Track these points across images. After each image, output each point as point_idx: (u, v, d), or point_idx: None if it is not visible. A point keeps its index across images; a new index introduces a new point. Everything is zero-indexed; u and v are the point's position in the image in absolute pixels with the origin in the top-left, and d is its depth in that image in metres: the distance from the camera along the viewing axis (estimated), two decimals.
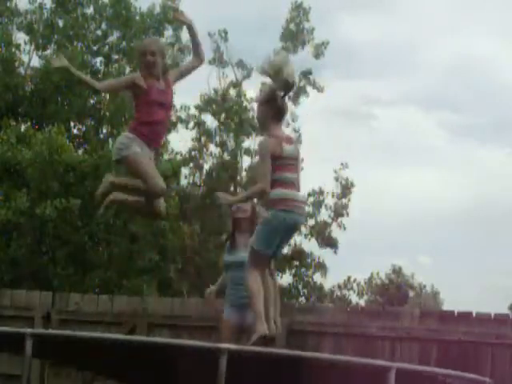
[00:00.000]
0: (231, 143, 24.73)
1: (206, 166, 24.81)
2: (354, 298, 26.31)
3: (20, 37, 20.98)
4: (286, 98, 6.17)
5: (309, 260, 24.14)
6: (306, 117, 26.24)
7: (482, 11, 50.81)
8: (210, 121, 24.83)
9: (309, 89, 25.47)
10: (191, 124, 24.58)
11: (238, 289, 6.82)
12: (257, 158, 6.36)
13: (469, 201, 50.17)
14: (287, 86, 6.08)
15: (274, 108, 6.07)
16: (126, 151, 6.38)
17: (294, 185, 6.05)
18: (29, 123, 19.60)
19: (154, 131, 6.48)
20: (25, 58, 21.03)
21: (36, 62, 21.17)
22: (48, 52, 20.95)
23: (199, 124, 24.47)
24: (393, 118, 46.26)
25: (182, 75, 6.88)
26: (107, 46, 21.55)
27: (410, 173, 50.43)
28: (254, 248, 5.94)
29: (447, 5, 49.67)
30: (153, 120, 6.46)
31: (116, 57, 21.56)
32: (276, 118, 6.12)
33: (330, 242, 24.30)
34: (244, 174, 24.74)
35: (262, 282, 6.02)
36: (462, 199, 49.64)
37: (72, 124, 20.68)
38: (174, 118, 22.78)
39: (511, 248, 45.48)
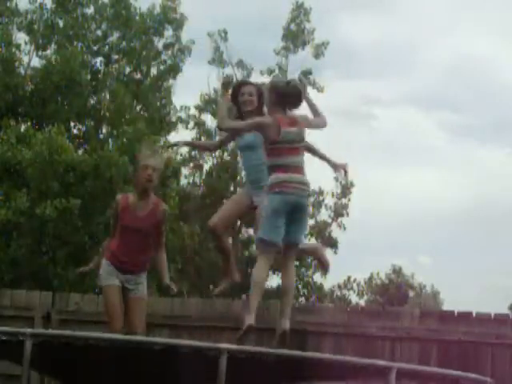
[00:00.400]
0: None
1: (206, 166, 24.84)
2: (353, 298, 26.35)
3: (20, 37, 21.01)
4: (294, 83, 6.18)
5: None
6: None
7: (482, 11, 50.87)
8: (210, 121, 24.87)
9: (309, 89, 25.49)
10: (191, 124, 24.61)
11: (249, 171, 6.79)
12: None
13: (469, 201, 50.21)
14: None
15: (275, 94, 6.11)
16: (100, 282, 6.58)
17: (293, 168, 6.03)
18: (29, 123, 19.60)
19: (125, 260, 6.48)
20: (25, 58, 21.05)
21: (36, 62, 21.20)
22: (48, 52, 20.97)
23: (199, 124, 24.49)
24: (393, 118, 46.33)
25: None
26: (107, 46, 21.56)
27: (409, 173, 50.50)
28: (260, 238, 5.97)
29: (447, 5, 49.75)
30: (127, 249, 6.47)
31: (116, 57, 21.57)
32: (278, 104, 6.14)
33: (330, 242, 24.32)
34: (244, 174, 24.76)
35: (283, 272, 6.19)
36: (462, 199, 49.69)
37: (72, 124, 20.69)
38: (173, 119, 22.80)
39: (511, 248, 45.50)
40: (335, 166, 6.76)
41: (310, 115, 6.36)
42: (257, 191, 6.55)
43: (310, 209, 23.61)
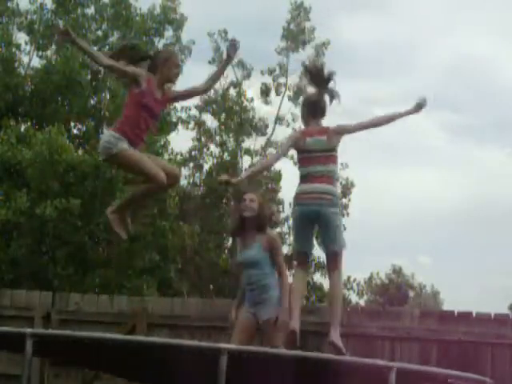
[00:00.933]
0: (231, 143, 24.73)
1: (206, 166, 24.83)
2: (354, 297, 26.31)
3: (20, 37, 21.01)
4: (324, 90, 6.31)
5: (308, 260, 24.14)
6: None
7: (482, 11, 50.88)
8: (209, 121, 24.86)
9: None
10: (191, 124, 24.61)
11: (252, 288, 6.66)
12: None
13: (469, 201, 50.22)
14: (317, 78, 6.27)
15: (307, 105, 6.46)
16: (116, 149, 6.23)
17: (316, 177, 6.16)
18: (29, 123, 19.60)
19: (137, 135, 6.37)
20: (25, 59, 21.05)
21: (36, 62, 21.20)
22: (48, 52, 20.97)
23: (199, 124, 24.49)
24: None
25: (183, 98, 6.90)
26: (108, 47, 21.55)
27: (409, 173, 50.51)
28: (293, 249, 6.26)
29: (446, 5, 49.73)
30: (138, 124, 6.36)
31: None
32: (311, 114, 6.34)
33: None
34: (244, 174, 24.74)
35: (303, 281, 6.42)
36: (461, 199, 49.71)
37: (72, 124, 20.69)
38: (174, 118, 22.80)
39: (511, 248, 45.50)
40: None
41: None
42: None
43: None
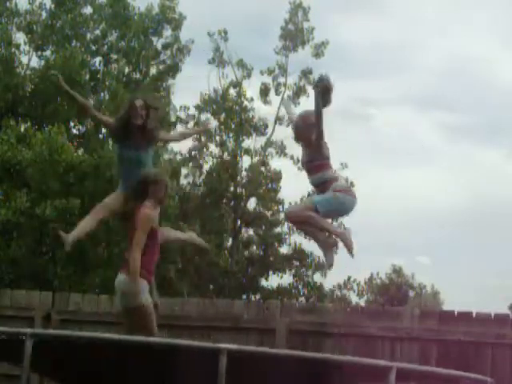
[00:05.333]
0: (231, 143, 24.73)
1: (206, 166, 24.83)
2: (353, 297, 26.32)
3: (19, 37, 21.03)
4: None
5: (309, 260, 24.15)
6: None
7: (479, 12, 50.88)
8: (209, 121, 24.85)
9: (309, 89, 25.47)
10: (191, 124, 24.60)
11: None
12: None
13: (467, 201, 50.23)
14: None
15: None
16: (143, 299, 6.37)
17: None
18: (29, 123, 19.61)
19: (152, 272, 6.57)
20: (24, 59, 21.07)
21: (35, 62, 21.22)
22: (47, 52, 20.99)
23: (199, 124, 24.47)
24: (391, 119, 46.31)
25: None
26: (106, 46, 21.56)
27: (408, 173, 50.49)
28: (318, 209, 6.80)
29: (442, 6, 49.74)
30: (155, 260, 6.55)
31: (115, 56, 21.58)
32: None
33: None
34: (244, 173, 24.76)
35: None
36: (460, 199, 49.70)
37: (72, 124, 20.70)
38: (173, 118, 22.81)
39: (510, 248, 45.52)
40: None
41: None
42: None
43: None
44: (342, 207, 7.02)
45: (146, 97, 7.21)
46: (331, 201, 6.86)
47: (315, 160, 6.84)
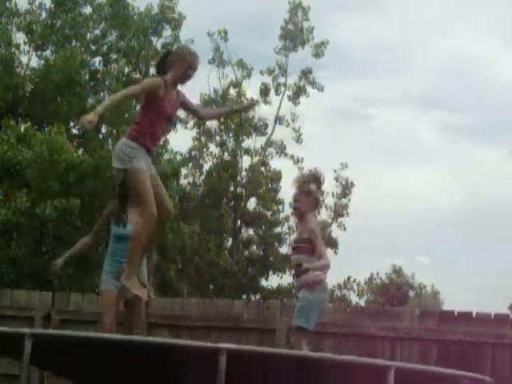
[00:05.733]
0: (231, 143, 24.74)
1: (206, 166, 24.84)
2: (353, 297, 26.33)
3: (19, 37, 21.04)
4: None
5: None
6: (305, 117, 26.22)
7: (479, 12, 50.89)
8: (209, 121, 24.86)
9: (309, 88, 25.48)
10: (190, 123, 24.62)
11: (121, 261, 6.87)
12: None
13: (467, 201, 50.25)
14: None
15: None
16: (129, 163, 6.06)
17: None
18: (29, 123, 19.61)
19: (154, 143, 6.26)
20: (24, 59, 21.08)
21: (35, 62, 21.22)
22: (47, 52, 20.99)
23: (199, 124, 24.50)
24: (391, 119, 46.32)
25: (188, 109, 6.75)
26: (106, 46, 21.56)
27: (408, 173, 50.50)
28: (298, 326, 6.39)
29: (443, 6, 49.76)
30: (156, 133, 6.22)
31: (115, 56, 21.58)
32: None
33: (330, 243, 24.31)
34: (244, 173, 24.76)
35: None
36: (459, 199, 49.73)
37: (72, 124, 20.70)
38: None
39: (510, 248, 45.53)
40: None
41: None
42: None
43: None
44: (315, 305, 6.43)
45: None
46: (304, 309, 6.37)
47: (300, 241, 6.58)
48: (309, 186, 6.56)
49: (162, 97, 6.12)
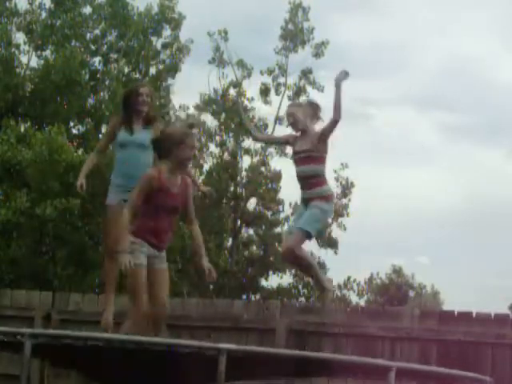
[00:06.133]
0: (231, 143, 24.74)
1: (206, 166, 24.83)
2: (354, 297, 26.32)
3: (19, 37, 21.05)
4: None
5: None
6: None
7: (479, 12, 50.88)
8: (210, 121, 24.88)
9: (309, 89, 25.48)
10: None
11: (136, 169, 6.64)
12: None
13: (466, 201, 50.26)
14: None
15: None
16: (134, 258, 5.81)
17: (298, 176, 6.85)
18: (29, 123, 19.62)
19: (158, 238, 5.99)
20: (24, 59, 21.09)
21: (35, 62, 21.23)
22: (47, 52, 20.99)
23: (199, 124, 24.48)
24: (391, 119, 46.33)
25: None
26: (105, 46, 21.56)
27: (408, 173, 50.50)
28: (306, 230, 6.69)
29: (443, 6, 49.76)
30: (158, 228, 5.97)
31: (115, 56, 21.59)
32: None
33: (330, 243, 24.31)
34: (244, 173, 24.75)
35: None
36: (459, 199, 49.73)
37: (72, 124, 20.71)
38: (173, 118, 22.81)
39: (510, 248, 45.53)
40: None
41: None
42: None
43: None
44: (327, 216, 7.01)
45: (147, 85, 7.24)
46: (318, 216, 6.76)
47: (317, 151, 6.82)
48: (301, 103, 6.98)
49: (157, 189, 5.89)
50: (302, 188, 6.88)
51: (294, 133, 7.04)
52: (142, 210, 5.95)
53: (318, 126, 6.97)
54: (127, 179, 6.76)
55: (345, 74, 6.67)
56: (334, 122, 6.74)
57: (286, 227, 24.65)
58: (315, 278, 7.27)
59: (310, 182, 6.83)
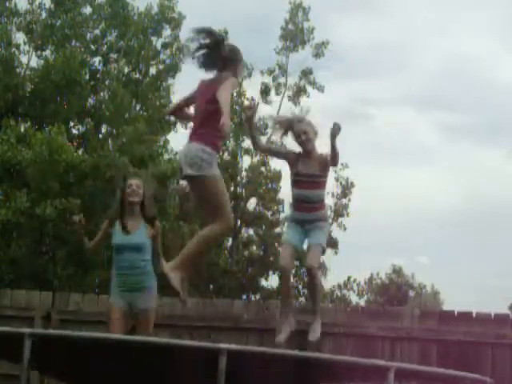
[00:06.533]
0: (231, 143, 24.73)
1: None
2: (354, 297, 26.33)
3: (19, 37, 21.04)
4: None
5: None
6: (305, 117, 26.15)
7: (479, 12, 50.89)
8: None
9: (309, 89, 25.47)
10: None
11: (132, 273, 6.85)
12: None
13: (466, 201, 50.26)
14: None
15: None
16: (209, 170, 5.64)
17: (300, 199, 6.93)
18: (29, 123, 19.62)
19: None
20: (24, 59, 21.08)
21: (35, 62, 21.22)
22: (47, 52, 20.99)
23: None
24: (391, 119, 46.32)
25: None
26: (105, 46, 21.55)
27: (408, 173, 50.51)
28: (324, 248, 6.80)
29: (442, 6, 49.77)
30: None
31: (115, 56, 21.59)
32: None
33: (330, 243, 24.31)
34: (244, 173, 24.74)
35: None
36: (459, 199, 49.73)
37: (72, 124, 20.70)
38: (173, 118, 22.79)
39: (510, 248, 45.53)
40: None
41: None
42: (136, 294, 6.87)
43: None
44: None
45: (139, 174, 7.19)
46: (326, 234, 6.90)
47: (324, 176, 6.80)
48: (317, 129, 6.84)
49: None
50: (300, 210, 6.79)
51: (294, 149, 6.90)
52: (216, 123, 5.67)
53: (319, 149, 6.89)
54: (123, 282, 6.93)
55: (338, 128, 6.58)
56: (333, 166, 6.85)
57: (285, 227, 24.64)
58: (313, 300, 7.21)
59: (314, 206, 6.77)
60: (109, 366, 5.20)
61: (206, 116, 5.81)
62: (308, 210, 6.76)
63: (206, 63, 5.97)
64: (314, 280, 6.97)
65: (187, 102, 6.30)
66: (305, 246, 6.94)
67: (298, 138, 6.82)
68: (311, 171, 6.73)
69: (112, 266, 7.11)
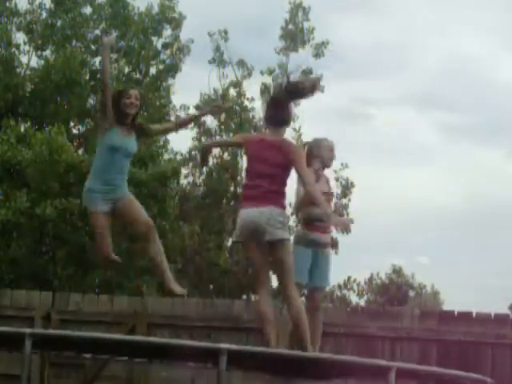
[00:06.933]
0: None
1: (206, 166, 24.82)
2: (353, 297, 26.31)
3: (19, 37, 21.03)
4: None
5: None
6: (305, 117, 26.22)
7: (479, 12, 50.90)
8: (209, 121, 24.85)
9: None
10: (191, 124, 24.60)
11: (118, 177, 6.56)
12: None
13: (466, 201, 50.27)
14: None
15: None
16: (288, 234, 5.90)
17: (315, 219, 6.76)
18: (29, 123, 19.61)
19: None
20: (24, 59, 21.08)
21: (35, 62, 21.21)
22: (47, 52, 20.99)
23: (199, 124, 24.48)
24: (391, 119, 46.33)
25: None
26: None
27: (408, 173, 50.52)
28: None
29: (443, 6, 49.78)
30: None
31: (115, 56, 21.58)
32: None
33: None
34: (244, 174, 24.76)
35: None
36: (459, 199, 49.74)
37: (72, 124, 20.70)
38: (173, 118, 22.80)
39: (510, 248, 45.54)
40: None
41: None
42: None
43: None
44: None
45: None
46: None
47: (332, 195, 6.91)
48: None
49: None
50: (312, 230, 6.66)
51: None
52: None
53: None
54: (107, 186, 6.51)
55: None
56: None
57: None
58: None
59: (327, 225, 6.63)
60: (108, 366, 5.21)
61: (276, 178, 5.94)
62: (320, 230, 6.69)
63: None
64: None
65: (226, 144, 6.86)
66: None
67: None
68: (324, 189, 6.62)
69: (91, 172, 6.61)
